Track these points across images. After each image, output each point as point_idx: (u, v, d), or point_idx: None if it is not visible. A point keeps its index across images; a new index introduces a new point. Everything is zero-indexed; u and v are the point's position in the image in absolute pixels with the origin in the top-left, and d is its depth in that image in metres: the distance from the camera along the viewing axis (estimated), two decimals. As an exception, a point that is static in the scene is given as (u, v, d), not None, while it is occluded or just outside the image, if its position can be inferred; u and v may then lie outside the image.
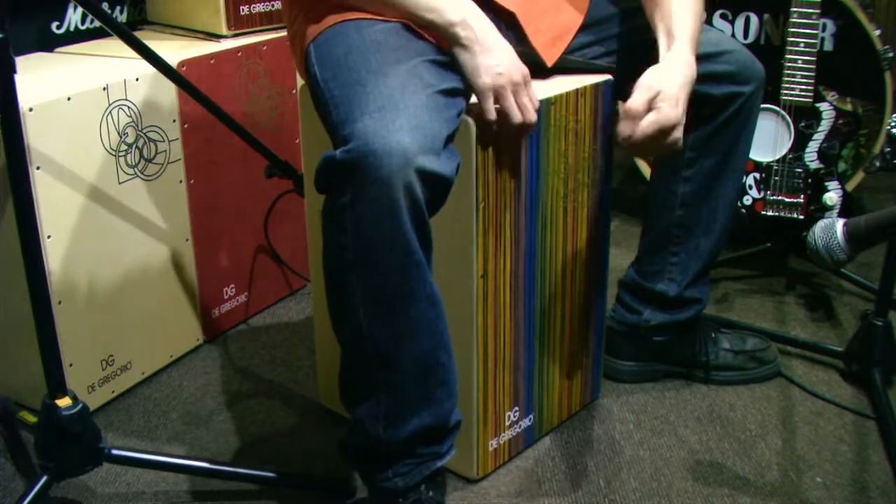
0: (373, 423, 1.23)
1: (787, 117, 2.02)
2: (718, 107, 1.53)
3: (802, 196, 2.04)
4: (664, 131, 1.27)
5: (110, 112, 1.59)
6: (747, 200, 2.08)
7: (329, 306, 1.20)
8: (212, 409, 1.68)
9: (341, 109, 1.15)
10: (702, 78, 1.49)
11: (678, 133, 1.28)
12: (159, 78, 1.61)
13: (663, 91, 1.27)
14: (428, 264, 1.15)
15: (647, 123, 1.26)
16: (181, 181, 1.76)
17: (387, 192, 1.07)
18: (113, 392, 1.69)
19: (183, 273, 1.80)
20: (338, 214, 1.11)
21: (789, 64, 1.97)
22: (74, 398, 1.29)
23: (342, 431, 1.32)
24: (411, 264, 1.12)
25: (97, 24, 1.89)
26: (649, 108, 1.27)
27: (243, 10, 1.87)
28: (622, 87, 1.48)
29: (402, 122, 1.09)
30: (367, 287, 1.14)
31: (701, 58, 1.48)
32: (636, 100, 1.27)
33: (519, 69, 1.23)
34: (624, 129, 1.28)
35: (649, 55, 1.37)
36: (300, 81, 1.43)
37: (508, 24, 1.39)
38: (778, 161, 2.05)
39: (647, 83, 1.28)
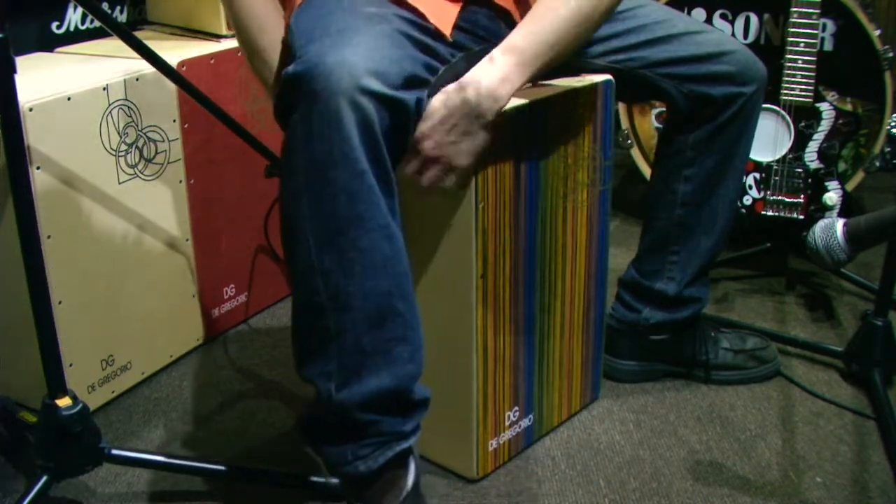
0: (325, 382, 1.14)
1: (787, 117, 2.01)
2: (719, 107, 1.53)
3: (802, 196, 2.04)
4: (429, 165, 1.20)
5: (110, 112, 1.59)
6: (747, 200, 2.08)
7: (283, 249, 1.15)
8: (212, 409, 1.68)
9: (303, 37, 1.12)
10: (702, 79, 1.50)
11: (451, 162, 1.20)
12: (159, 78, 1.61)
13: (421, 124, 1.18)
14: (386, 195, 1.08)
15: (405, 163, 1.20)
16: (181, 181, 1.76)
17: (332, 105, 1.03)
18: (113, 392, 1.69)
19: (183, 273, 1.80)
20: (290, 136, 1.07)
21: (789, 64, 1.96)
22: (74, 398, 1.29)
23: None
24: (362, 186, 1.06)
25: (97, 24, 1.89)
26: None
27: (243, 10, 1.86)
28: (622, 87, 1.48)
29: (358, 40, 1.07)
30: (316, 212, 1.08)
31: (701, 58, 1.49)
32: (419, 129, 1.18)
33: None
34: (410, 167, 1.20)
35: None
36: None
37: (507, 22, 1.40)
38: (778, 161, 2.04)
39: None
